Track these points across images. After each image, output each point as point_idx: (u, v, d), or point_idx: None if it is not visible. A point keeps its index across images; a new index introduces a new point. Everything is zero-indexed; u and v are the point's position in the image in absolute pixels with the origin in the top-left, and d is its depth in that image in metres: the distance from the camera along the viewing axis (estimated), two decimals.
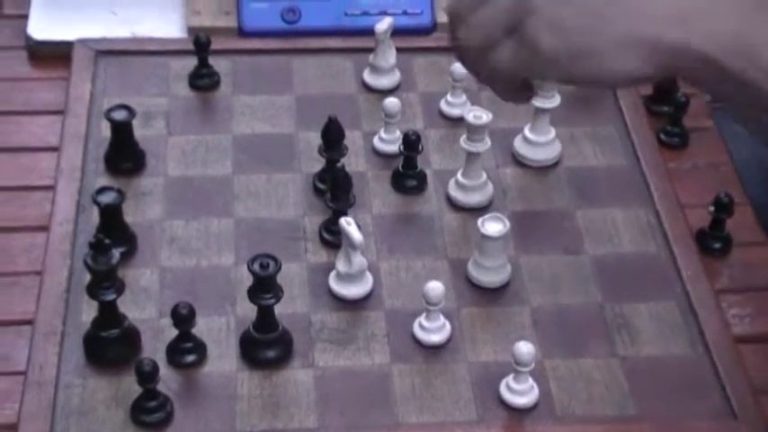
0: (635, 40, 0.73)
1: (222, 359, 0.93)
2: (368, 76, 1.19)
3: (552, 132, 1.12)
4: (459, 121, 1.12)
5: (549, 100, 1.09)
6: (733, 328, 0.98)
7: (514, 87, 0.81)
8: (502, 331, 0.96)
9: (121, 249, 0.94)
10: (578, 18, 0.74)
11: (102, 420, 0.88)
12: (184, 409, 0.89)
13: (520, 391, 0.90)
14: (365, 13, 1.25)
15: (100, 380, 0.91)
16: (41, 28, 1.23)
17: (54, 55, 1.20)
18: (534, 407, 0.91)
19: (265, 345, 0.92)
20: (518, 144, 1.12)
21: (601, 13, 0.73)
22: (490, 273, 0.99)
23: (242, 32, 1.24)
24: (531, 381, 0.91)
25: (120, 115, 1.06)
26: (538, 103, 1.10)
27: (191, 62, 1.17)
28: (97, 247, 0.89)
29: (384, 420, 0.89)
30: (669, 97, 1.18)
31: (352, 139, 1.10)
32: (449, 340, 0.95)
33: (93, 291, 0.90)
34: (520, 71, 0.77)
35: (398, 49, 1.18)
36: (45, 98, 1.17)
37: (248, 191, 1.07)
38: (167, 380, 0.90)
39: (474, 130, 1.04)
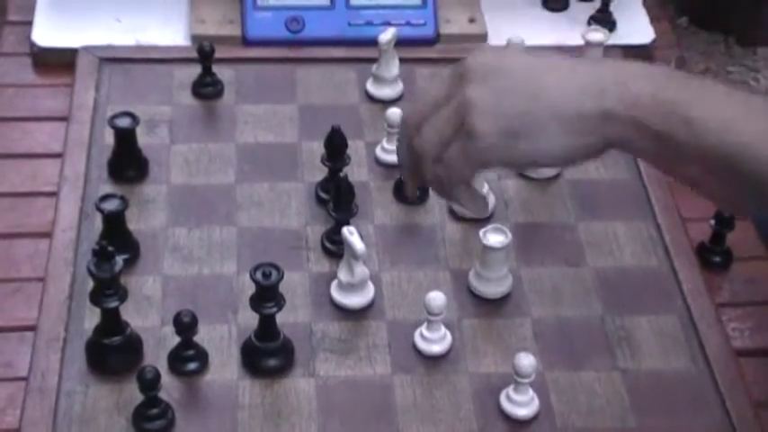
0: (562, 115, 0.79)
1: (224, 367, 0.93)
2: (371, 87, 1.19)
3: None
4: None
5: None
6: (733, 342, 0.98)
7: (470, 197, 0.87)
8: (503, 342, 0.96)
9: (124, 257, 0.95)
10: (509, 102, 0.80)
11: (103, 428, 0.88)
12: (186, 417, 0.89)
13: (520, 403, 0.91)
14: (369, 24, 1.25)
15: (102, 387, 0.91)
16: (46, 35, 1.23)
17: (58, 62, 1.21)
18: (534, 418, 0.91)
19: (267, 353, 0.93)
20: None
21: (529, 95, 0.80)
22: (491, 284, 1.00)
23: (246, 41, 1.24)
24: (531, 392, 0.91)
25: (123, 123, 1.06)
26: None
27: (194, 70, 1.18)
28: (100, 255, 0.89)
29: (385, 430, 0.90)
30: None
31: (355, 148, 1.10)
32: (450, 351, 0.95)
33: (96, 298, 0.91)
34: (467, 164, 0.83)
35: (401, 60, 1.18)
36: (49, 105, 1.17)
37: (251, 200, 1.07)
38: (169, 387, 0.90)
39: None
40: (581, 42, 1.21)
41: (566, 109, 0.79)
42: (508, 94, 0.81)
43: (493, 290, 1.00)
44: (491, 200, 1.07)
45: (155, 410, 0.88)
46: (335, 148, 1.05)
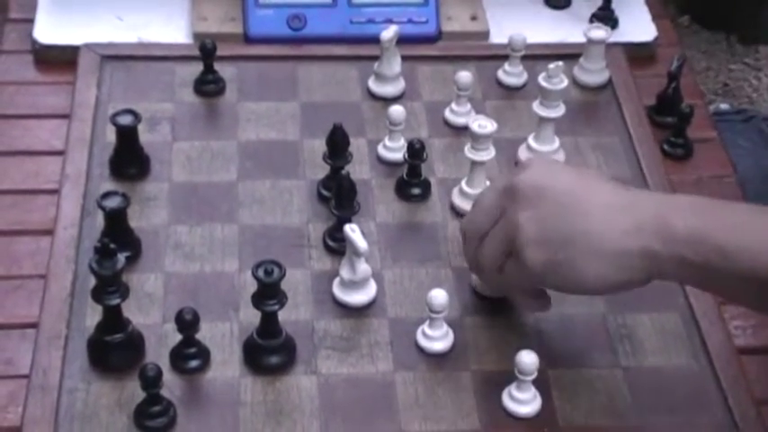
0: (604, 251, 0.85)
1: (226, 365, 0.93)
2: (373, 84, 1.19)
3: (556, 142, 1.12)
4: (464, 129, 1.12)
5: (554, 109, 1.10)
6: (735, 340, 0.98)
7: (533, 297, 0.94)
8: (505, 340, 0.96)
9: (126, 254, 0.95)
10: (555, 233, 0.86)
11: (105, 425, 0.88)
12: (187, 415, 0.89)
13: (522, 400, 0.91)
14: (370, 21, 1.25)
15: (103, 384, 0.91)
16: (48, 32, 1.23)
17: (60, 59, 1.21)
18: (537, 416, 0.91)
19: (269, 351, 0.93)
20: (522, 153, 1.12)
21: (574, 226, 0.86)
22: None
23: (248, 39, 1.24)
24: (533, 390, 0.91)
25: (125, 120, 1.06)
26: (542, 112, 1.10)
27: (196, 68, 1.17)
28: (102, 252, 0.89)
29: (387, 428, 0.89)
30: (673, 108, 1.18)
31: (357, 146, 1.10)
32: (452, 348, 0.95)
33: (97, 295, 0.90)
34: (522, 280, 0.91)
35: (403, 58, 1.18)
36: (51, 102, 1.17)
37: (253, 197, 1.07)
38: (171, 385, 0.90)
39: (478, 139, 1.04)
40: (583, 40, 1.21)
41: (607, 246, 0.85)
42: (554, 224, 0.87)
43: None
44: None
45: (156, 408, 0.88)
46: (337, 145, 1.05)
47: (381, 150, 1.12)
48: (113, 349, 0.92)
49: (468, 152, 1.05)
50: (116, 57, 1.20)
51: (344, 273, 0.97)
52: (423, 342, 0.95)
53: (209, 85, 1.17)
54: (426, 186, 1.09)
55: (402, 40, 1.17)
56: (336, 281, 0.99)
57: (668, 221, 0.84)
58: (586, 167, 1.09)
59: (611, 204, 0.87)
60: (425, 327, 0.95)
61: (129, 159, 1.08)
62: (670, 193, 0.97)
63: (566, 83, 1.09)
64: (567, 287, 0.89)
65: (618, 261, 0.85)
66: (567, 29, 1.29)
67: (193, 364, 0.92)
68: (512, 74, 1.21)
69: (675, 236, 0.83)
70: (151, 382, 0.86)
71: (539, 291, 0.94)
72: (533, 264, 0.87)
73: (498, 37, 1.26)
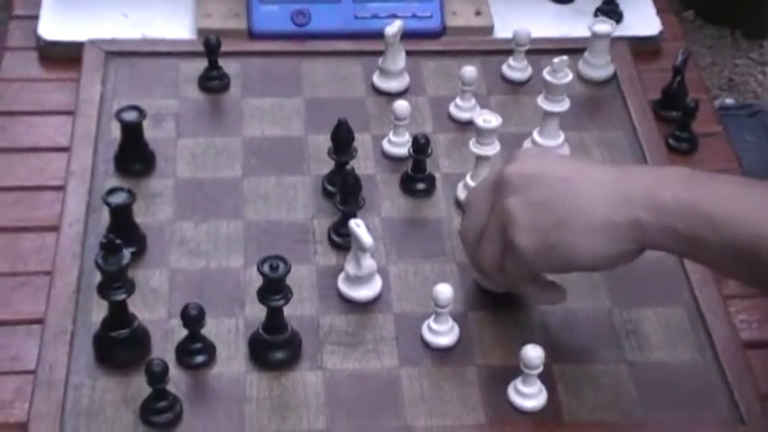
0: (595, 225, 0.86)
1: (231, 360, 0.93)
2: (377, 79, 1.19)
3: (561, 137, 1.12)
4: (469, 124, 1.12)
5: (559, 104, 1.10)
6: (741, 334, 0.98)
7: (544, 289, 0.94)
8: (510, 334, 0.96)
9: (131, 250, 0.95)
10: (545, 216, 0.87)
11: (111, 420, 0.88)
12: (193, 410, 0.89)
13: (528, 395, 0.91)
14: (375, 17, 1.25)
15: (109, 380, 0.91)
16: (52, 29, 1.23)
17: (65, 56, 1.21)
18: (542, 410, 0.91)
19: (274, 346, 0.93)
20: (527, 148, 1.12)
21: (563, 207, 0.87)
22: None
23: (252, 35, 1.24)
24: (539, 384, 0.91)
25: (130, 116, 1.06)
26: (547, 106, 1.10)
27: (201, 64, 1.18)
28: (108, 248, 0.89)
29: (393, 423, 0.90)
30: (678, 102, 1.18)
31: (362, 141, 1.10)
32: (457, 343, 0.95)
33: (103, 291, 0.91)
34: (522, 273, 0.91)
35: (408, 53, 1.18)
36: (55, 99, 1.17)
37: (258, 193, 1.07)
38: (177, 380, 0.90)
39: (483, 134, 1.04)
40: (587, 34, 1.21)
41: (597, 220, 0.86)
42: (544, 208, 0.87)
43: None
44: None
45: (162, 403, 0.88)
46: (342, 141, 1.05)
47: (386, 145, 1.12)
48: (119, 345, 0.92)
49: (473, 147, 1.05)
50: (120, 53, 1.20)
51: (350, 268, 0.97)
52: (428, 337, 0.95)
53: (213, 81, 1.18)
54: (431, 181, 1.09)
55: (406, 36, 1.17)
56: (341, 276, 0.99)
57: (657, 192, 0.84)
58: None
59: (601, 181, 0.87)
60: (431, 321, 0.95)
61: (134, 156, 1.08)
62: (660, 166, 0.96)
63: (570, 77, 1.09)
64: (561, 267, 0.90)
65: (608, 233, 0.85)
66: (571, 23, 1.29)
67: (199, 359, 0.92)
68: (516, 68, 1.21)
69: (665, 206, 0.84)
70: (157, 377, 0.86)
71: (549, 283, 0.94)
72: (526, 249, 0.88)
73: (503, 32, 1.26)
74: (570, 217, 0.86)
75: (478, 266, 0.95)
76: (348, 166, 1.03)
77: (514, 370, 0.91)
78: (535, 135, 1.12)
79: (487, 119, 1.04)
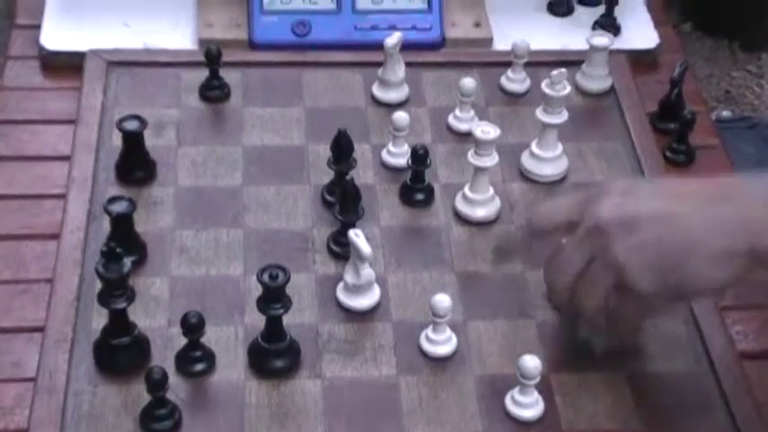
0: (716, 257, 0.84)
1: (231, 368, 0.93)
2: (377, 90, 1.20)
3: (559, 148, 1.13)
4: (467, 135, 1.12)
5: (557, 116, 1.10)
6: (737, 345, 0.99)
7: (661, 312, 0.93)
8: (508, 344, 0.97)
9: (132, 258, 0.95)
10: (662, 259, 0.85)
11: (111, 428, 0.89)
12: (193, 418, 0.90)
13: (525, 405, 0.91)
14: (375, 28, 1.26)
15: (110, 387, 0.91)
16: (54, 38, 1.24)
17: (67, 65, 1.21)
18: (539, 420, 0.91)
19: (274, 355, 0.93)
20: (525, 159, 1.13)
21: (679, 246, 0.85)
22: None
23: (253, 45, 1.25)
24: (536, 394, 0.91)
25: (131, 125, 1.07)
26: (545, 118, 1.10)
27: (202, 74, 1.18)
28: (109, 256, 0.90)
29: (391, 431, 0.90)
30: (675, 114, 1.18)
31: (361, 152, 1.11)
32: (455, 353, 0.96)
33: (104, 298, 0.91)
34: (639, 314, 0.91)
35: (407, 64, 1.19)
36: (57, 108, 1.18)
37: (258, 202, 1.08)
38: (176, 388, 0.91)
39: (482, 145, 1.05)
40: (586, 47, 1.22)
41: (715, 251, 0.84)
42: (656, 249, 0.85)
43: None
44: (497, 203, 1.08)
45: (162, 411, 0.88)
46: (342, 150, 1.05)
47: (385, 156, 1.13)
48: (119, 352, 0.92)
49: (472, 158, 1.06)
50: (122, 63, 1.21)
51: (348, 277, 0.98)
52: (426, 346, 0.96)
53: (214, 91, 1.18)
54: (430, 192, 1.09)
55: (406, 47, 1.18)
56: (340, 285, 0.99)
57: (759, 221, 0.83)
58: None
59: (706, 212, 0.86)
60: (429, 331, 0.96)
61: (135, 164, 1.09)
62: (743, 179, 0.91)
63: (568, 89, 1.10)
64: (680, 299, 0.90)
65: (727, 263, 0.84)
66: (569, 36, 1.30)
67: (199, 367, 0.93)
68: (515, 80, 1.22)
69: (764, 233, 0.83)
70: (157, 385, 0.87)
71: (641, 328, 0.96)
72: (648, 292, 0.87)
73: (502, 44, 1.27)
74: (687, 254, 0.85)
75: (574, 310, 0.92)
76: (348, 176, 1.03)
77: (512, 380, 0.91)
78: (533, 146, 1.13)
79: (486, 130, 1.05)
